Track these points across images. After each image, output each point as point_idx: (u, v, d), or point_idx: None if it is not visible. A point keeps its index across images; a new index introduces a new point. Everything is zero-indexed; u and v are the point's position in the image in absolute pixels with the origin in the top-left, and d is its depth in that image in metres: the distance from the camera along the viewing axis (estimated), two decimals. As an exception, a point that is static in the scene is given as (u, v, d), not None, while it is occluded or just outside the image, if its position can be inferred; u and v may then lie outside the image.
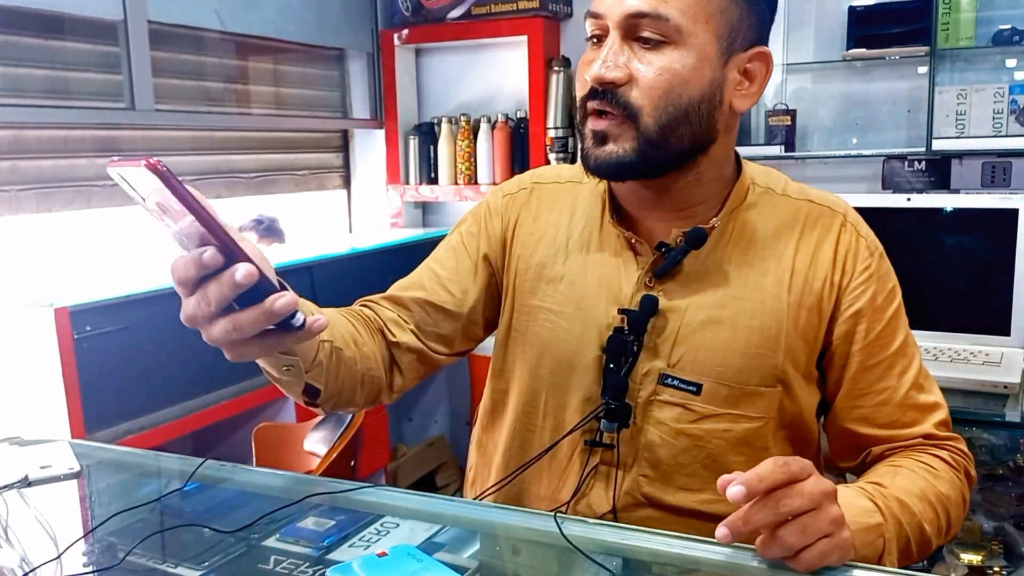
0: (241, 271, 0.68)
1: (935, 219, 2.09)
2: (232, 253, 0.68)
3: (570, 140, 2.92)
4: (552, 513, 0.91)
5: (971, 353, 1.96)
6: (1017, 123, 2.40)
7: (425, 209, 3.36)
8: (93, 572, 0.83)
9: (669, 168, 0.96)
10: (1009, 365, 1.86)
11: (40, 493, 1.02)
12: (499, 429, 1.12)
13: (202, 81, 2.56)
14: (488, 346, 1.16)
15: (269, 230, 2.95)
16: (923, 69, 2.53)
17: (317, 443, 1.87)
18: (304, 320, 0.73)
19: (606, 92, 0.93)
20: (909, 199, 2.12)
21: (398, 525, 0.92)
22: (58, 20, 2.11)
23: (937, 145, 2.46)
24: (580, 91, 0.97)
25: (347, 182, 3.29)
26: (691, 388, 0.98)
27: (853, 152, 2.66)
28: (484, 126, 3.03)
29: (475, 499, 1.11)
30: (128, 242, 2.36)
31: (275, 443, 1.93)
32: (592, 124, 0.95)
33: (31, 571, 0.82)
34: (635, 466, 1.00)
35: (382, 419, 2.75)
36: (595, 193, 1.07)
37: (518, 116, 3.02)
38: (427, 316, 1.08)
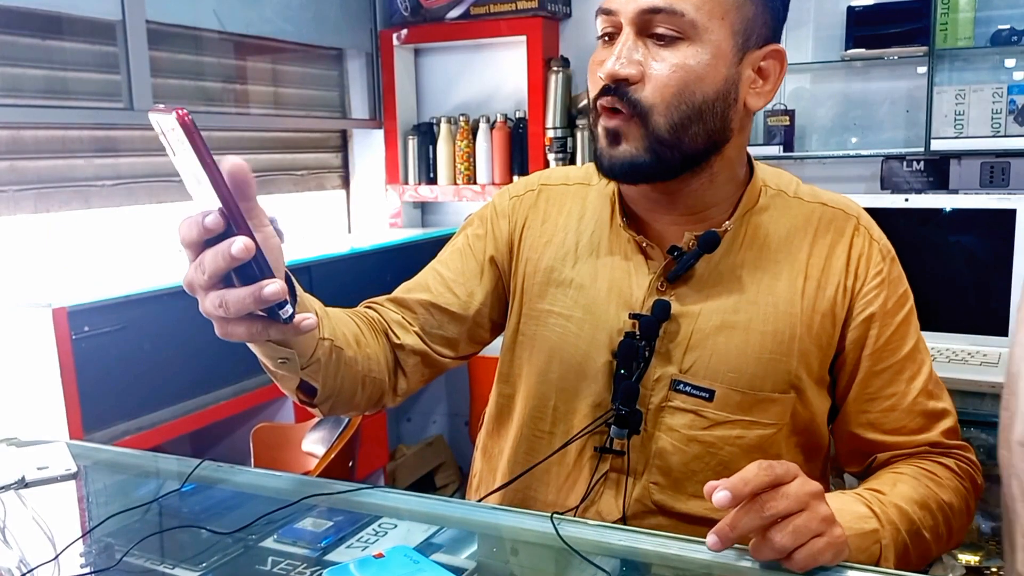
0: (237, 244, 0.67)
1: (934, 219, 2.09)
2: (236, 224, 0.67)
3: (569, 140, 2.92)
4: (549, 514, 0.90)
5: (969, 353, 1.96)
6: (1016, 123, 2.40)
7: (424, 209, 3.36)
8: (91, 573, 0.83)
9: (683, 169, 0.94)
10: (1007, 365, 1.86)
11: (37, 494, 1.01)
12: (505, 435, 1.10)
13: (200, 81, 2.56)
14: (489, 347, 1.15)
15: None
16: (922, 69, 2.53)
17: (315, 444, 1.87)
18: (292, 314, 0.72)
19: (618, 89, 0.91)
20: (907, 199, 2.12)
21: (396, 526, 0.92)
22: (56, 20, 2.11)
23: (936, 145, 2.46)
24: (592, 89, 0.95)
25: (346, 182, 3.29)
26: (703, 394, 0.96)
27: (852, 152, 2.66)
28: (483, 126, 3.03)
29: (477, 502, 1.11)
30: (126, 242, 2.35)
31: (273, 443, 1.93)
32: (604, 121, 0.93)
33: (29, 572, 0.82)
34: (646, 473, 0.99)
35: (381, 419, 2.75)
36: (604, 195, 1.06)
37: (517, 116, 3.01)
38: (432, 319, 1.07)
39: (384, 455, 2.81)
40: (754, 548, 0.77)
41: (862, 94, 2.68)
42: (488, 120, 3.04)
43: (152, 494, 1.02)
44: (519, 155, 3.00)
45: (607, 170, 0.94)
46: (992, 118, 2.42)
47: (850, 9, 2.57)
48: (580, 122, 2.91)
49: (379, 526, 0.92)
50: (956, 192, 2.47)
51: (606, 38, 0.95)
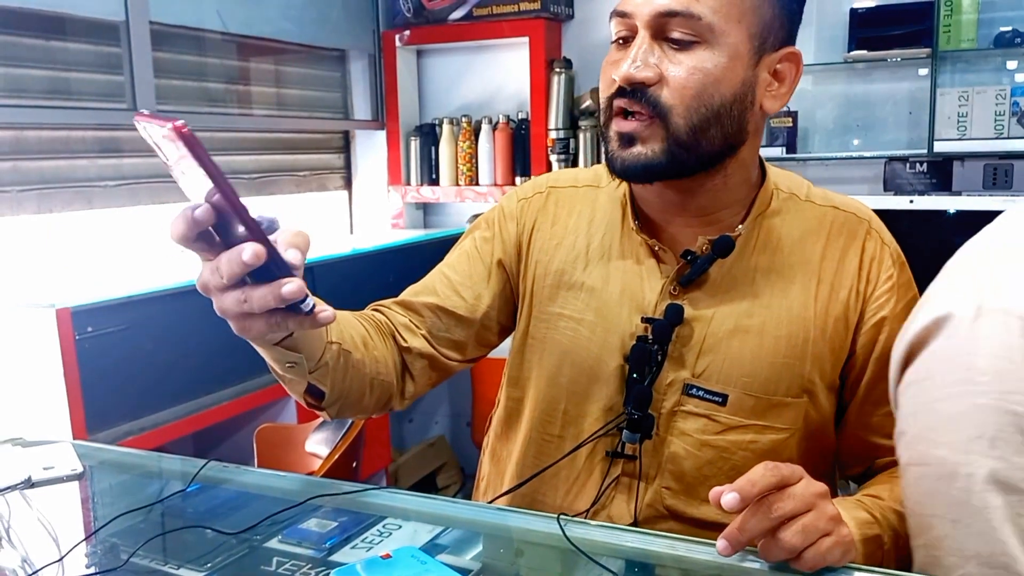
0: (248, 252, 0.67)
1: (937, 221, 2.09)
2: (248, 227, 0.68)
3: (571, 141, 2.93)
4: (556, 515, 0.90)
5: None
6: (1019, 125, 2.40)
7: (426, 210, 3.36)
8: (96, 574, 0.83)
9: (698, 169, 0.93)
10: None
11: (43, 494, 1.01)
12: (514, 438, 1.09)
13: (203, 82, 2.56)
14: (497, 350, 1.14)
15: (270, 231, 2.95)
16: (924, 71, 2.53)
17: (319, 444, 1.87)
18: (313, 305, 0.73)
19: (635, 91, 0.90)
20: (912, 201, 2.12)
21: (401, 527, 0.92)
22: (59, 21, 2.11)
23: (938, 147, 2.46)
24: (605, 91, 0.94)
25: (348, 183, 3.29)
26: (716, 399, 0.96)
27: (854, 154, 2.66)
28: (485, 127, 3.03)
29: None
30: (129, 243, 2.36)
31: (277, 444, 1.93)
32: (618, 126, 0.92)
33: (34, 573, 0.81)
34: (658, 478, 0.98)
35: (383, 420, 2.75)
36: (614, 198, 1.05)
37: (519, 117, 3.02)
38: (439, 321, 1.06)
39: (386, 455, 2.81)
40: (763, 548, 0.77)
41: (865, 95, 2.68)
42: (490, 121, 3.04)
43: (157, 494, 1.02)
44: (521, 156, 3.00)
45: (620, 171, 0.94)
46: (995, 120, 2.42)
47: (853, 11, 2.57)
48: (583, 123, 2.91)
49: (384, 527, 0.92)
50: (959, 194, 2.47)
51: (620, 41, 0.94)
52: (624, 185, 1.04)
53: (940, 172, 2.52)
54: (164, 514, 0.97)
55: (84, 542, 0.89)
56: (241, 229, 0.69)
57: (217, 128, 2.62)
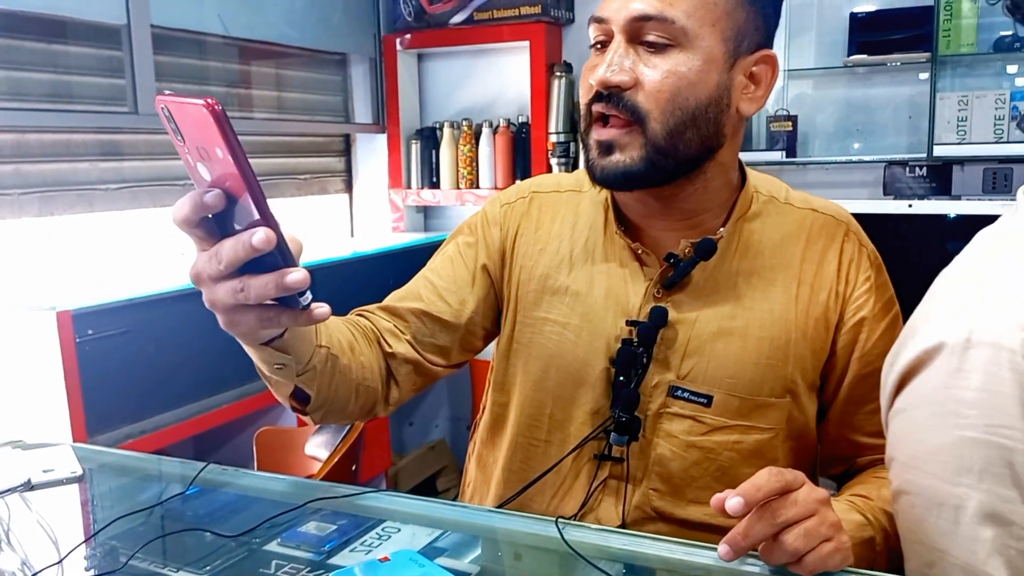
0: (259, 235, 0.65)
1: (937, 225, 2.09)
2: (263, 213, 0.66)
3: (572, 145, 2.93)
4: (554, 519, 0.90)
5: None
6: (1018, 129, 2.40)
7: (427, 213, 3.36)
8: (95, 576, 0.83)
9: (677, 174, 0.94)
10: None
11: (42, 497, 1.02)
12: (500, 443, 1.10)
13: (205, 85, 2.57)
14: (491, 352, 1.15)
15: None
16: (924, 75, 2.53)
17: (318, 447, 1.87)
18: (310, 300, 0.71)
19: (611, 96, 0.91)
20: (911, 205, 2.12)
21: (399, 530, 0.92)
22: (61, 24, 2.11)
23: (938, 151, 2.46)
24: (584, 96, 0.95)
25: (349, 186, 3.29)
26: (702, 400, 0.97)
27: (854, 158, 2.66)
28: (486, 131, 3.04)
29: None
30: (130, 246, 2.36)
31: (277, 447, 1.93)
32: (597, 134, 0.93)
33: (33, 575, 0.82)
34: (645, 480, 0.99)
35: (383, 423, 2.75)
36: (596, 202, 1.06)
37: (520, 121, 3.02)
38: (424, 327, 1.06)
39: (386, 459, 2.81)
40: (764, 551, 0.78)
41: (865, 100, 2.68)
42: (491, 125, 3.05)
43: (156, 497, 1.02)
44: (522, 160, 3.00)
45: (600, 180, 0.95)
46: (995, 124, 2.43)
47: (853, 15, 2.58)
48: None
49: (383, 530, 0.92)
50: (959, 198, 2.47)
51: (598, 46, 0.95)
52: (606, 190, 1.04)
53: (940, 176, 2.52)
54: (163, 517, 0.97)
55: (83, 545, 0.89)
56: (244, 221, 0.67)
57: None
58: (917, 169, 2.55)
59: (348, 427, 1.77)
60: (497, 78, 3.12)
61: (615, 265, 1.02)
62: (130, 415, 1.91)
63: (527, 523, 0.94)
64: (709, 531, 0.97)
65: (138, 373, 1.91)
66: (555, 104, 2.91)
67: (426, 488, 3.10)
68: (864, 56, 2.55)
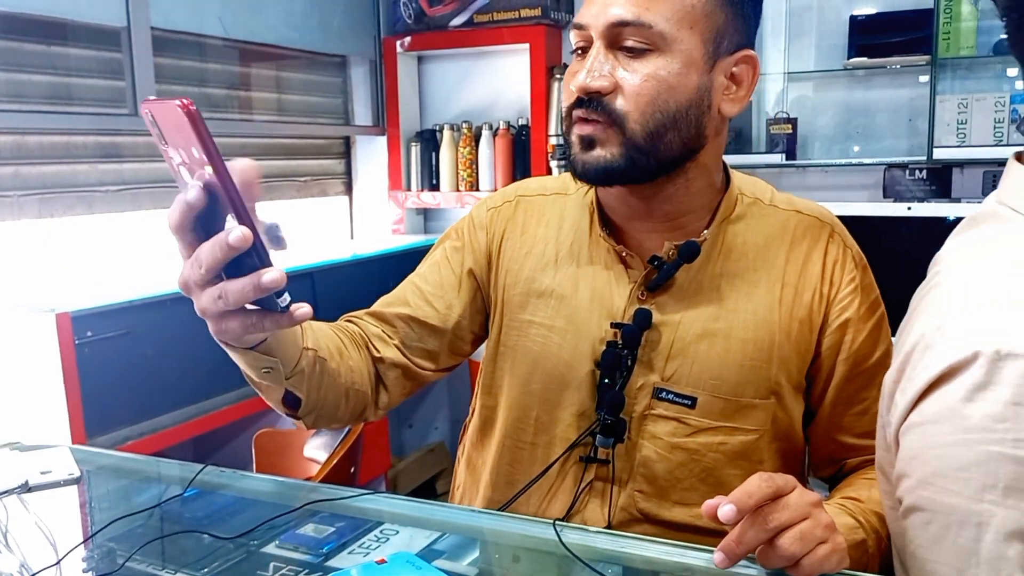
0: (235, 233, 0.66)
1: (937, 228, 2.09)
2: (238, 214, 0.67)
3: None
4: (552, 521, 0.90)
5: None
6: (1018, 132, 2.40)
7: (427, 216, 3.37)
8: (92, 578, 0.83)
9: (658, 174, 0.95)
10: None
11: (40, 499, 1.01)
12: (488, 446, 1.11)
13: (204, 87, 2.57)
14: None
15: (270, 236, 2.95)
16: (924, 78, 2.53)
17: (317, 449, 1.87)
18: (289, 302, 0.71)
19: (591, 101, 0.92)
20: (910, 208, 2.12)
21: (398, 532, 0.92)
22: (61, 26, 2.12)
23: (938, 154, 2.46)
24: (566, 101, 0.96)
25: (349, 188, 3.29)
26: (686, 402, 0.98)
27: (854, 161, 2.67)
28: (486, 133, 3.04)
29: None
30: (129, 248, 2.36)
31: (275, 449, 1.93)
32: (579, 129, 0.94)
33: (30, 577, 0.82)
34: (631, 481, 1.00)
35: (382, 425, 2.75)
36: (581, 205, 1.06)
37: (520, 123, 3.02)
38: (412, 332, 1.07)
39: (386, 461, 2.81)
40: (761, 556, 0.77)
41: (864, 103, 2.68)
42: (491, 127, 3.05)
43: (154, 499, 1.02)
44: (522, 162, 3.00)
45: (581, 174, 0.95)
46: (995, 127, 2.43)
47: (853, 18, 2.58)
48: (583, 129, 2.91)
49: (381, 532, 0.92)
50: (958, 201, 2.47)
51: (579, 52, 0.96)
52: (591, 192, 1.05)
53: (939, 179, 2.52)
54: (161, 519, 0.97)
55: (80, 546, 0.89)
56: (229, 220, 0.67)
57: (218, 133, 2.60)
58: (917, 172, 2.55)
59: (347, 429, 1.77)
60: (497, 80, 3.13)
61: (600, 267, 1.02)
62: (129, 417, 1.91)
63: (525, 525, 0.94)
64: (694, 532, 0.97)
65: (137, 375, 1.91)
66: (555, 106, 2.92)
67: (425, 490, 3.10)
68: (864, 59, 2.55)
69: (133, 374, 1.90)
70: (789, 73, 2.71)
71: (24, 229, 2.09)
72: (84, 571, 0.85)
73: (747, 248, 1.00)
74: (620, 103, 0.91)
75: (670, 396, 0.98)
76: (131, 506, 0.99)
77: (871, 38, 2.54)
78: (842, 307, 0.99)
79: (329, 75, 3.12)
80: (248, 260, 0.68)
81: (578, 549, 0.85)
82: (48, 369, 1.73)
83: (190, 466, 1.10)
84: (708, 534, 0.89)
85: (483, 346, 1.14)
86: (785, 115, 2.70)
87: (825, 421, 1.03)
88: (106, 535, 0.92)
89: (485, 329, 1.12)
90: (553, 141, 2.92)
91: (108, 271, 2.28)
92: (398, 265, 2.79)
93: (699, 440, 0.98)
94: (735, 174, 1.05)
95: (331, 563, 0.86)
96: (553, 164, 2.93)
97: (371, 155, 3.25)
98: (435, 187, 3.15)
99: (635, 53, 0.91)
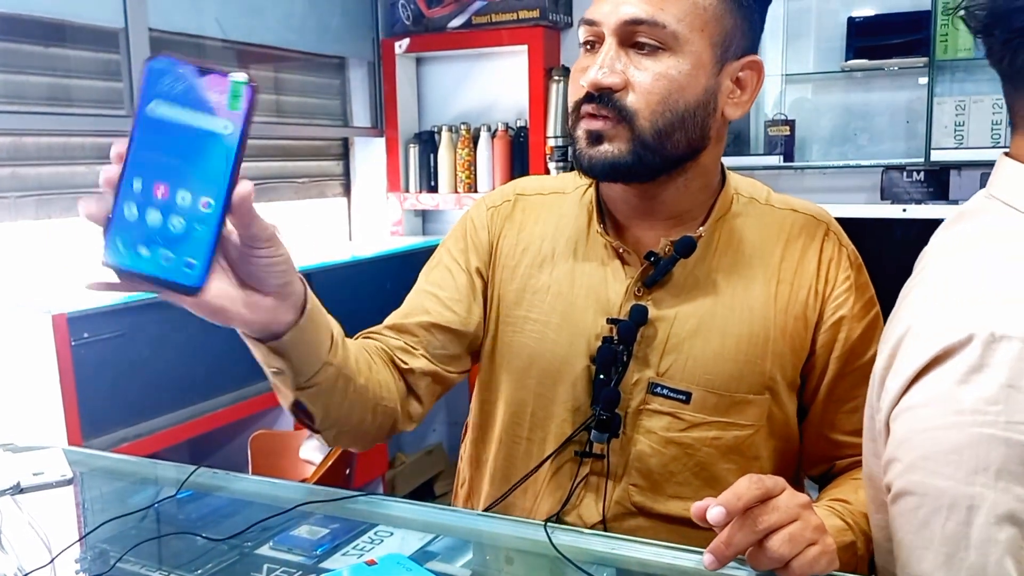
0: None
1: (932, 230, 2.09)
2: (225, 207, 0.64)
3: (570, 149, 2.93)
4: (543, 523, 0.90)
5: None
6: (1016, 134, 2.40)
7: (425, 217, 3.37)
8: (84, 579, 0.83)
9: (661, 172, 0.96)
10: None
11: (34, 500, 1.01)
12: (488, 442, 1.11)
13: (203, 89, 2.57)
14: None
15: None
16: (922, 80, 2.53)
17: (313, 451, 1.87)
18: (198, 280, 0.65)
19: (602, 97, 0.93)
20: (905, 210, 2.12)
21: (392, 534, 0.92)
22: (59, 28, 2.12)
23: (936, 156, 2.47)
24: (574, 96, 0.97)
25: (347, 190, 3.29)
26: (680, 397, 0.98)
27: (852, 162, 2.67)
28: (484, 135, 3.04)
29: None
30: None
31: (271, 451, 1.93)
32: (587, 124, 0.95)
33: (23, 578, 0.82)
34: (625, 476, 1.00)
35: (380, 427, 2.74)
36: (580, 203, 1.07)
37: (518, 125, 3.02)
38: (435, 339, 1.05)
39: (383, 463, 2.81)
40: (751, 558, 0.77)
41: (862, 104, 2.68)
42: (489, 129, 3.05)
43: (148, 501, 1.02)
44: (520, 164, 3.00)
45: (587, 168, 0.96)
46: (992, 129, 2.43)
47: (851, 20, 2.58)
48: (581, 131, 2.91)
49: (375, 534, 0.92)
50: (956, 203, 2.47)
51: (588, 47, 0.97)
52: (591, 191, 1.06)
53: (937, 181, 2.52)
54: (154, 520, 0.97)
55: (72, 547, 0.89)
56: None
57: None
58: (915, 174, 2.55)
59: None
60: (495, 82, 3.13)
61: (596, 264, 1.03)
62: (125, 419, 1.91)
63: (518, 527, 0.94)
64: (688, 525, 0.96)
65: (134, 377, 1.91)
66: (553, 108, 2.92)
67: (423, 492, 3.10)
68: (862, 61, 2.56)
69: (129, 376, 1.90)
70: (787, 75, 2.72)
71: (22, 230, 2.09)
72: (77, 572, 0.85)
73: (743, 245, 1.01)
74: (631, 100, 0.92)
75: (665, 391, 0.98)
76: (125, 507, 0.99)
77: (869, 40, 2.54)
78: (837, 304, 1.00)
79: (327, 77, 3.13)
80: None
81: (570, 550, 0.85)
82: (44, 370, 1.73)
83: (183, 468, 1.10)
84: (702, 528, 0.89)
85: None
86: (783, 117, 2.70)
87: (817, 418, 1.03)
88: (99, 536, 0.91)
89: None
90: (551, 143, 2.92)
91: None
92: (397, 266, 2.81)
93: (693, 435, 0.99)
94: (732, 175, 1.06)
95: (325, 565, 0.86)
96: (551, 166, 2.93)
97: (369, 157, 3.25)
98: (433, 189, 3.15)
99: (647, 52, 0.92)
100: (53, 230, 2.17)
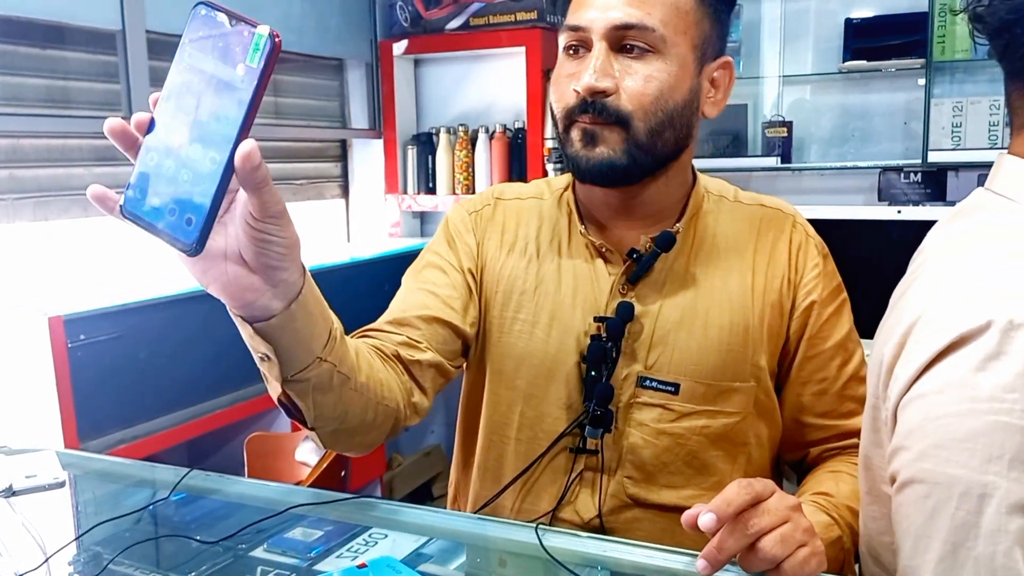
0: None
1: (929, 231, 2.09)
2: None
3: (563, 152, 2.93)
4: (534, 525, 0.90)
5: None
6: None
7: (423, 219, 3.37)
8: (77, 582, 0.83)
9: (651, 172, 0.99)
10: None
11: (28, 502, 1.01)
12: (476, 444, 1.12)
13: (200, 90, 2.57)
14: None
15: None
16: (920, 81, 2.54)
17: (308, 453, 1.87)
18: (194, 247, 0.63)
19: (595, 103, 0.94)
20: (900, 212, 2.12)
21: (386, 536, 0.92)
22: (57, 30, 2.12)
23: (933, 157, 2.47)
24: (561, 101, 0.98)
25: (345, 191, 3.29)
26: (669, 388, 1.00)
27: (849, 164, 2.67)
28: (482, 136, 3.04)
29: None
30: (123, 251, 2.36)
31: (267, 453, 1.93)
32: (581, 121, 0.96)
33: (15, 580, 0.82)
34: (619, 469, 1.02)
35: (378, 429, 2.74)
36: (558, 206, 1.10)
37: (516, 126, 3.02)
38: (436, 331, 1.04)
39: (380, 465, 2.81)
40: (743, 560, 0.78)
41: (860, 106, 2.68)
42: (487, 130, 3.05)
43: (142, 503, 1.02)
44: (518, 165, 3.00)
45: (584, 172, 0.97)
46: (989, 130, 2.43)
47: (848, 21, 2.58)
48: (579, 133, 2.91)
49: (369, 536, 0.92)
50: (953, 204, 2.47)
51: (571, 52, 0.98)
52: (568, 193, 1.09)
53: (934, 182, 2.52)
54: (148, 522, 0.97)
55: (65, 550, 0.89)
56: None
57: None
58: (912, 175, 2.55)
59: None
60: (493, 84, 3.13)
61: (580, 263, 1.05)
62: (122, 420, 1.91)
63: (511, 530, 0.94)
64: (682, 513, 0.97)
65: (130, 378, 1.91)
66: (551, 109, 2.91)
67: (422, 494, 3.10)
68: (859, 62, 2.56)
69: (126, 378, 1.90)
70: (785, 76, 2.72)
71: (19, 232, 2.09)
72: (70, 574, 0.85)
73: (717, 240, 1.05)
74: (624, 103, 0.94)
75: (654, 384, 1.01)
76: (119, 510, 0.99)
77: (866, 41, 2.54)
78: (808, 290, 1.04)
79: (325, 78, 3.13)
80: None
81: (562, 552, 0.86)
82: (40, 372, 1.73)
83: (177, 470, 1.10)
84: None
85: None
86: (781, 118, 2.70)
87: (788, 402, 1.06)
88: (93, 539, 0.92)
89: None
90: (550, 144, 2.92)
91: (102, 274, 2.28)
92: (395, 268, 2.78)
93: (683, 425, 1.01)
94: (700, 175, 1.10)
95: (318, 567, 0.86)
96: (550, 167, 2.93)
97: (367, 158, 3.25)
98: (431, 190, 3.15)
99: (636, 55, 0.95)
100: (50, 232, 2.17)
